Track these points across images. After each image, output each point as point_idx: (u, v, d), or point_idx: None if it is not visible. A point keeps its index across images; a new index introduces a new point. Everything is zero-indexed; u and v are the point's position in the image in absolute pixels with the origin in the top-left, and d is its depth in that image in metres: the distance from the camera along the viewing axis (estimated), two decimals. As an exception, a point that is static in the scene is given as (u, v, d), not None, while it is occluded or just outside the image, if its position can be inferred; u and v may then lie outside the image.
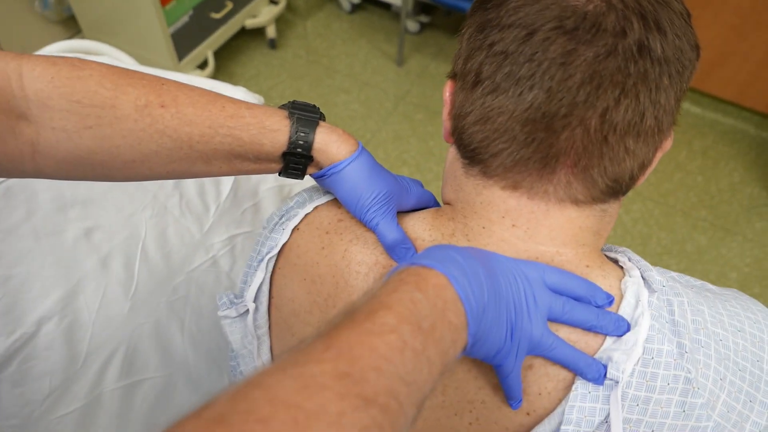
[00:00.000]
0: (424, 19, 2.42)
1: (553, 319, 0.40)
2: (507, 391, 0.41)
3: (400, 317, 0.30)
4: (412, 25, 2.40)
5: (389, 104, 2.17)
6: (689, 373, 0.39)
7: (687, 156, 2.06)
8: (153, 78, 0.46)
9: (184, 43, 1.91)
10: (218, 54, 2.20)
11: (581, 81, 0.38)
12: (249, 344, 0.56)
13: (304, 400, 0.24)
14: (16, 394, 0.65)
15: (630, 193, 1.83)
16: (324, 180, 0.49)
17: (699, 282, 0.50)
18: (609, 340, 0.41)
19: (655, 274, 0.43)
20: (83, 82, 0.43)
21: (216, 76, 2.14)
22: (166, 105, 0.44)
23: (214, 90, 0.48)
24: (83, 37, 1.95)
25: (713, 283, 0.50)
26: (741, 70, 2.03)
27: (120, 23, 1.88)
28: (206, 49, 2.02)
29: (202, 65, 2.07)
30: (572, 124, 0.39)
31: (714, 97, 2.19)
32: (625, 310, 0.41)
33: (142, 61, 1.08)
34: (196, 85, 0.48)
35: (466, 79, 0.43)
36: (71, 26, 2.05)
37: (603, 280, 0.43)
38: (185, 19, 1.87)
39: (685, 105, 2.20)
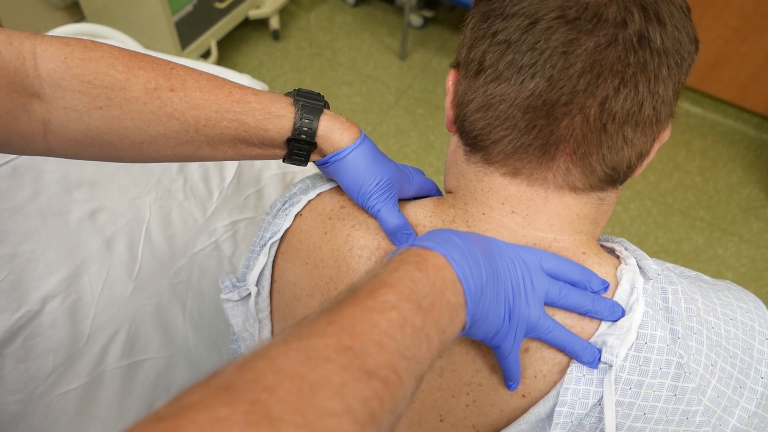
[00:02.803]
0: (427, 13, 2.42)
1: (549, 303, 0.41)
2: (505, 373, 0.42)
3: (401, 295, 0.31)
4: (415, 20, 2.40)
5: (391, 98, 2.17)
6: (681, 358, 0.40)
7: (686, 156, 2.07)
8: (163, 62, 0.46)
9: (187, 32, 1.91)
10: (221, 44, 2.20)
11: (582, 70, 0.39)
12: (251, 327, 0.57)
13: (308, 371, 0.25)
14: (20, 370, 0.66)
15: (628, 192, 1.82)
16: (327, 167, 0.50)
17: (693, 273, 0.50)
18: (604, 325, 0.42)
19: (651, 262, 0.44)
20: (95, 64, 0.43)
21: (219, 66, 2.14)
22: (175, 89, 0.45)
23: (220, 75, 0.49)
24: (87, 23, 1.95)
25: (709, 282, 0.51)
26: (742, 72, 2.03)
27: (124, 10, 1.88)
28: (210, 38, 2.02)
29: (206, 55, 2.07)
30: (572, 112, 0.40)
31: (714, 98, 2.20)
32: (620, 296, 0.42)
33: (145, 48, 1.09)
34: (203, 70, 0.48)
35: (469, 67, 0.44)
36: (75, 12, 2.05)
37: (599, 267, 0.44)
38: (189, 8, 1.87)
39: (686, 105, 2.21)
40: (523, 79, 0.40)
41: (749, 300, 0.46)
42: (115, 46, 0.45)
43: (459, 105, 0.45)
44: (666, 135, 0.45)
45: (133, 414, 0.75)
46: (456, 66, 0.47)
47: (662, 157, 2.05)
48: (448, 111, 0.48)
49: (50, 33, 0.95)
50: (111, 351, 0.74)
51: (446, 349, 0.34)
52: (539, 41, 0.39)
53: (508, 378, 0.42)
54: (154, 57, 0.47)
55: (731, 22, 1.93)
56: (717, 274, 1.76)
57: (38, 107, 0.43)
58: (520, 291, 0.39)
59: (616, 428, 0.41)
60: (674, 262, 1.78)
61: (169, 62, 0.47)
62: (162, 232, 0.79)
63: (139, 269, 0.76)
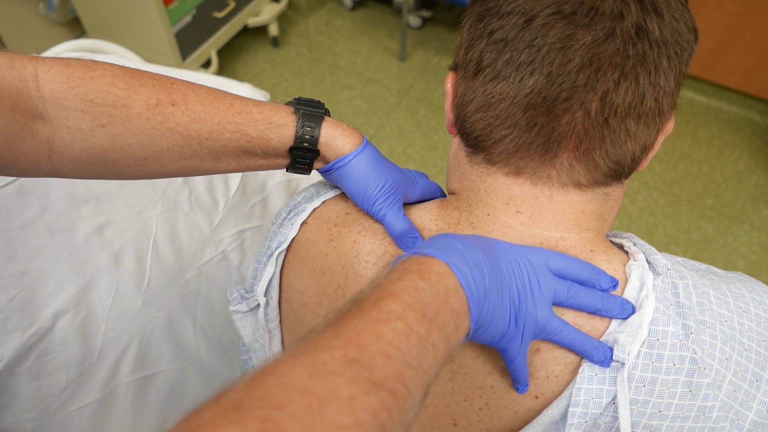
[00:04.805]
0: (425, 14, 2.42)
1: (558, 304, 0.40)
2: (513, 375, 0.41)
3: (405, 305, 0.31)
4: (413, 21, 2.40)
5: (393, 100, 2.17)
6: (695, 353, 0.40)
7: (692, 145, 2.05)
8: (163, 77, 0.47)
9: (187, 42, 1.92)
10: (221, 53, 2.21)
11: (580, 65, 0.38)
12: (260, 338, 0.57)
13: (317, 386, 0.25)
14: (34, 388, 0.67)
15: (635, 183, 1.81)
16: (331, 174, 0.50)
17: (704, 266, 0.50)
18: (614, 323, 0.41)
19: (660, 257, 0.43)
20: (96, 82, 0.44)
21: (220, 75, 2.15)
22: (176, 103, 0.45)
23: (220, 86, 0.49)
24: (88, 38, 1.96)
25: (720, 271, 0.50)
26: (745, 58, 2.02)
27: (124, 24, 1.89)
28: (210, 48, 2.03)
29: (206, 64, 2.08)
30: (573, 108, 0.39)
31: (718, 86, 2.18)
32: (629, 293, 0.42)
33: (146, 61, 1.09)
34: (203, 82, 0.49)
35: (467, 68, 0.43)
36: (75, 28, 2.06)
37: (607, 264, 0.44)
38: (188, 18, 1.88)
39: (690, 94, 2.19)
40: (522, 77, 0.40)
41: (762, 291, 0.46)
42: (115, 65, 0.46)
43: (459, 106, 0.45)
44: (670, 127, 0.44)
45: (147, 428, 0.76)
46: (454, 68, 0.46)
47: (668, 147, 2.04)
48: (449, 113, 0.47)
49: (52, 49, 0.96)
50: (123, 365, 0.74)
51: (452, 356, 0.34)
52: (536, 38, 0.39)
53: (516, 381, 0.42)
54: (155, 73, 0.47)
55: (732, 8, 1.92)
56: (728, 263, 1.75)
57: (42, 128, 0.44)
58: (526, 293, 0.38)
59: (632, 427, 0.40)
60: (684, 252, 1.77)
61: (170, 77, 0.47)
62: (169, 245, 0.79)
63: (147, 282, 0.76)
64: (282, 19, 2.41)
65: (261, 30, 2.33)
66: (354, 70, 2.27)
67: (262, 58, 2.30)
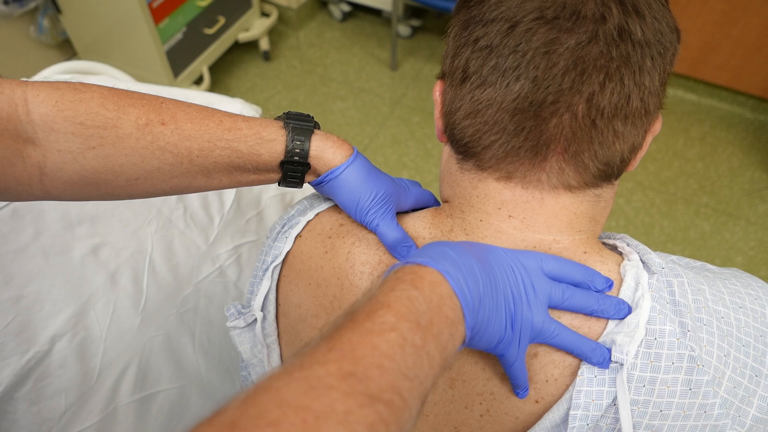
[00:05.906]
0: (415, 23, 2.44)
1: (554, 306, 0.40)
2: (513, 380, 0.41)
3: (399, 315, 0.31)
4: (403, 30, 2.41)
5: (386, 109, 2.18)
6: (693, 351, 0.40)
7: (685, 143, 2.06)
8: (152, 97, 0.47)
9: (178, 59, 1.92)
10: (213, 69, 2.21)
11: (565, 68, 0.39)
12: (259, 353, 0.57)
13: (312, 401, 0.25)
14: (33, 413, 0.66)
15: (630, 183, 1.81)
16: (323, 187, 0.50)
17: (699, 263, 0.50)
18: (611, 323, 0.41)
19: (655, 256, 0.43)
20: (86, 105, 0.44)
21: (212, 90, 2.16)
22: (165, 122, 0.46)
23: (211, 103, 0.49)
24: (79, 60, 1.97)
25: (719, 268, 0.51)
26: (734, 55, 2.03)
27: (115, 43, 1.90)
28: (201, 64, 2.04)
29: (198, 81, 2.09)
30: (560, 111, 0.40)
31: (708, 84, 2.19)
32: (625, 293, 0.42)
33: (138, 79, 1.10)
34: (194, 99, 0.49)
35: (454, 76, 0.44)
36: (67, 49, 2.07)
37: (601, 265, 0.44)
38: (179, 36, 1.89)
39: (680, 92, 2.20)
40: (508, 83, 0.40)
41: (758, 286, 0.46)
42: (104, 86, 0.46)
43: (447, 114, 0.45)
44: (657, 126, 0.44)
45: (149, 447, 0.75)
46: (441, 76, 0.47)
47: (661, 146, 2.05)
48: (438, 122, 0.48)
49: (42, 72, 0.96)
50: (123, 386, 0.74)
51: (449, 364, 0.34)
52: (520, 43, 0.39)
53: (515, 385, 0.42)
54: (144, 93, 0.47)
55: (718, 6, 1.93)
56: (726, 260, 1.75)
57: (33, 152, 0.44)
58: (521, 297, 0.38)
59: (634, 427, 0.40)
60: (681, 250, 1.77)
61: (159, 97, 0.47)
62: (166, 262, 0.79)
63: (145, 301, 0.76)
64: (272, 33, 2.42)
65: (252, 45, 2.35)
66: (346, 80, 2.28)
67: (253, 72, 2.31)
